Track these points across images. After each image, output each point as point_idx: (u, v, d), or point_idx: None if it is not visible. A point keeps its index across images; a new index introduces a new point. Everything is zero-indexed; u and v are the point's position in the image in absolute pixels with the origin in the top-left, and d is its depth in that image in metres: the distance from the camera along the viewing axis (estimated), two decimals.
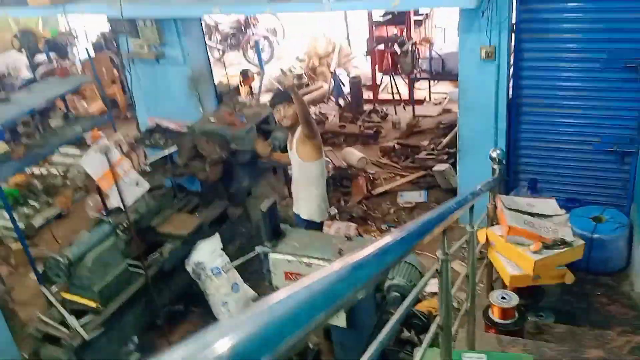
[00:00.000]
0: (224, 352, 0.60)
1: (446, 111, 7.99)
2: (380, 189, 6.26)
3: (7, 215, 4.82)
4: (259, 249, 3.46)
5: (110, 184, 4.01)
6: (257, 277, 5.24)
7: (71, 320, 3.87)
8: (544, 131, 5.06)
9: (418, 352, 2.43)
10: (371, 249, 1.09)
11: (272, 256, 3.35)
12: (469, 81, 5.04)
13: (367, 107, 8.41)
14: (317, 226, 4.31)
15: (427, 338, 1.87)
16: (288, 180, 5.55)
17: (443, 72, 7.65)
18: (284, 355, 0.68)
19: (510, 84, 5.01)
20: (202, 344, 0.61)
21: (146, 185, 4.13)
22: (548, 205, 3.49)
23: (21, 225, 4.78)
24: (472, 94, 5.04)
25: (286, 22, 11.13)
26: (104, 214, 4.57)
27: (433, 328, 1.92)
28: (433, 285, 4.57)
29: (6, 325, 4.51)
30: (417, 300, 3.71)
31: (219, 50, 11.00)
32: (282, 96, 4.24)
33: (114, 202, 4.45)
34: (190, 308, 4.96)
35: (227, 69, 8.30)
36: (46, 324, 3.92)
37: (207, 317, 4.83)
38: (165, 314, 4.62)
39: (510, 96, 5.01)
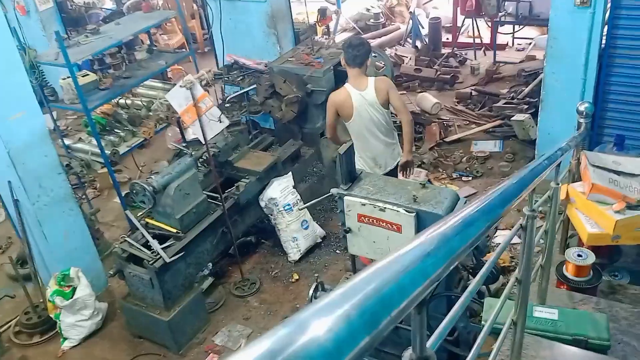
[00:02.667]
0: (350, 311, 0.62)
1: (530, 58, 7.62)
2: (453, 137, 6.15)
3: (95, 142, 5.13)
4: (334, 190, 3.52)
5: (192, 118, 4.16)
6: (325, 215, 5.40)
7: (154, 243, 4.14)
8: (636, 84, 4.76)
9: (492, 303, 2.47)
10: (479, 204, 1.11)
11: (347, 199, 3.41)
12: (559, 28, 4.77)
13: (445, 51, 8.15)
14: None
15: (505, 291, 1.89)
16: None
17: (530, 16, 7.24)
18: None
19: (604, 33, 4.71)
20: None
21: (226, 122, 4.26)
22: (635, 163, 3.34)
23: (107, 151, 5.06)
24: (562, 42, 4.78)
25: None
26: (183, 145, 4.77)
27: (512, 281, 1.93)
28: (499, 237, 4.56)
29: (93, 243, 4.90)
30: (488, 252, 3.72)
31: None
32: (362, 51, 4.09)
33: (193, 135, 4.63)
34: (261, 241, 5.18)
35: (304, 7, 8.20)
36: (130, 245, 4.20)
37: (277, 250, 5.04)
38: (238, 244, 4.85)
39: (602, 46, 4.72)
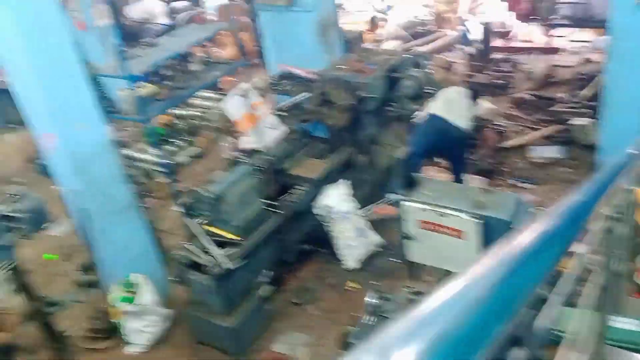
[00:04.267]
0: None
1: (586, 61, 7.41)
2: (510, 142, 6.03)
3: (155, 151, 5.28)
4: (392, 196, 3.51)
5: (249, 125, 4.24)
6: (381, 223, 5.37)
7: (214, 250, 4.21)
8: None
9: (567, 312, 2.39)
10: (562, 209, 1.08)
11: (406, 204, 3.39)
12: (621, 28, 4.63)
13: (498, 56, 8.01)
14: None
15: (583, 299, 1.82)
16: (412, 129, 5.51)
17: (585, 18, 7.05)
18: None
19: None
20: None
21: (284, 128, 4.31)
22: None
23: (166, 160, 5.20)
24: (624, 42, 4.64)
25: None
26: (238, 155, 4.85)
27: (590, 290, 1.87)
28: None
29: (156, 250, 5.03)
30: None
31: None
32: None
33: (249, 144, 4.71)
34: (317, 248, 5.20)
35: (352, 16, 8.26)
36: (190, 251, 4.29)
37: (333, 258, 5.04)
38: (294, 252, 4.89)
39: None
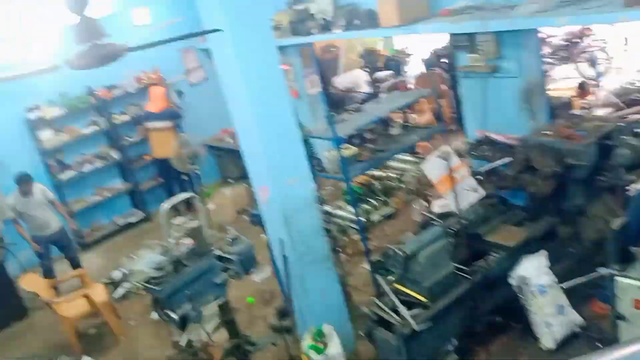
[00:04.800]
0: None
1: None
2: None
3: (351, 209, 5.55)
4: (603, 270, 3.21)
5: (447, 187, 4.26)
6: (583, 302, 4.88)
7: (403, 309, 4.22)
8: None
9: None
10: None
11: (620, 280, 3.07)
12: None
13: None
14: None
15: None
16: (627, 201, 4.99)
17: None
18: None
19: None
20: None
21: (482, 192, 4.25)
22: None
23: (361, 219, 5.44)
24: None
25: (631, 31, 9.99)
26: (431, 217, 4.86)
27: None
28: None
29: (345, 304, 5.20)
30: None
31: (549, 63, 10.54)
32: None
33: (443, 207, 4.70)
34: (510, 322, 4.88)
35: (557, 83, 7.93)
36: (380, 308, 4.35)
37: (527, 335, 4.69)
38: (484, 322, 4.66)
39: None
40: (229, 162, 9.83)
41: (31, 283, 6.20)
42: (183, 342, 4.44)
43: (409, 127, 6.22)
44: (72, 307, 6.16)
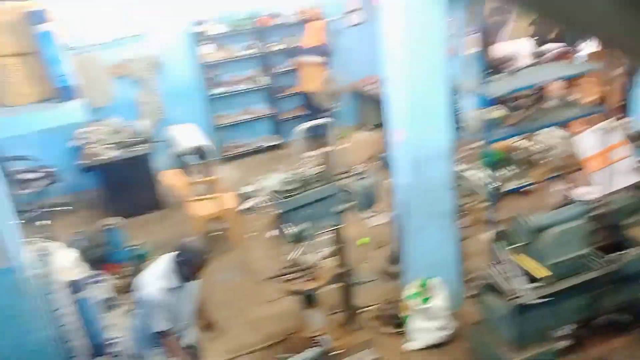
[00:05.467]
0: None
1: None
2: None
3: (485, 174, 5.32)
4: None
5: (597, 166, 3.92)
6: None
7: (521, 280, 4.03)
8: None
9: None
10: None
11: None
12: None
13: None
14: None
15: None
16: None
17: None
18: None
19: None
20: None
21: (636, 180, 3.85)
22: None
23: (494, 185, 5.19)
24: None
25: None
26: (572, 197, 4.52)
27: None
28: None
29: (459, 264, 5.10)
30: None
31: None
32: None
33: (589, 192, 4.35)
34: (635, 325, 4.48)
35: None
36: (496, 275, 4.19)
37: None
38: (606, 317, 4.32)
39: None
40: (368, 108, 9.86)
41: (171, 179, 6.77)
42: (293, 258, 4.63)
43: (567, 102, 5.76)
44: (203, 207, 6.67)
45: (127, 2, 8.10)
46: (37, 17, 2.80)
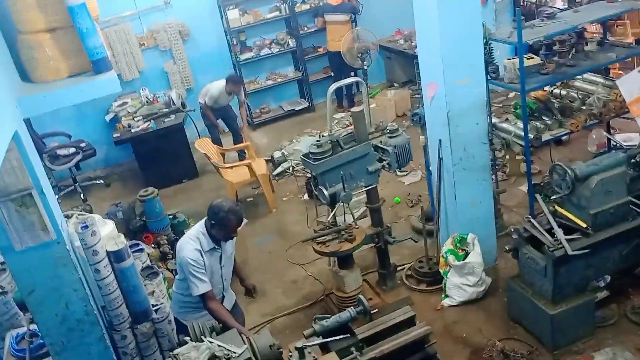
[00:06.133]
0: None
1: None
2: None
3: (520, 125, 5.17)
4: None
5: None
6: None
7: (559, 232, 3.94)
8: None
9: None
10: None
11: None
12: None
13: None
14: None
15: None
16: None
17: None
18: None
19: None
20: None
21: None
22: None
23: (530, 136, 5.04)
24: None
25: None
26: (613, 143, 4.35)
27: None
28: None
29: (494, 218, 5.02)
30: None
31: None
32: None
33: (626, 139, 4.17)
34: None
35: None
36: (534, 227, 4.11)
37: None
38: None
39: None
40: (397, 65, 9.67)
41: (205, 146, 6.82)
42: (329, 219, 4.63)
43: (607, 44, 5.49)
44: (236, 174, 6.72)
45: None
46: None
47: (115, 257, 3.00)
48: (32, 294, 2.84)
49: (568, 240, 3.88)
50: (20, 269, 2.82)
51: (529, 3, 8.87)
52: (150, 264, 3.82)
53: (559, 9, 8.65)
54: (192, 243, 3.60)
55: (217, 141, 7.65)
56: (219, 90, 7.50)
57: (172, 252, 5.36)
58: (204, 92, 7.65)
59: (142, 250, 3.91)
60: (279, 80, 9.30)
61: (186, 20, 8.57)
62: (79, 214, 3.29)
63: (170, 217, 5.97)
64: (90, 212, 5.74)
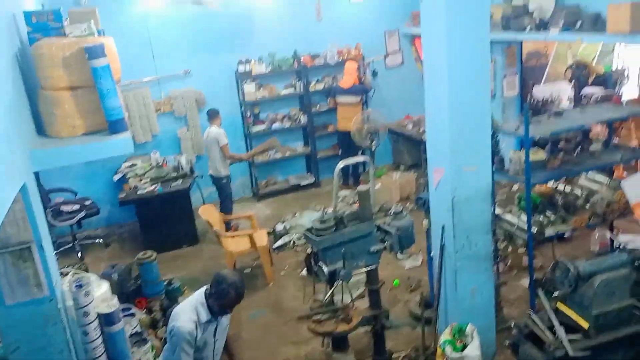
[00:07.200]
0: None
1: None
2: None
3: (524, 218, 5.17)
4: None
5: None
6: None
7: (560, 330, 3.85)
8: None
9: None
10: None
11: None
12: None
13: None
14: None
15: None
16: None
17: None
18: None
19: None
20: None
21: None
22: None
23: (533, 230, 5.04)
24: None
25: None
26: (615, 244, 4.34)
27: None
28: None
29: (495, 314, 4.91)
30: None
31: None
32: None
33: (625, 242, 4.17)
34: None
35: None
36: (534, 323, 4.02)
37: None
38: None
39: None
40: (404, 148, 9.84)
41: (208, 213, 6.83)
42: (326, 297, 4.54)
43: (611, 145, 5.61)
44: (236, 243, 6.68)
45: (176, 41, 8.42)
46: (94, 52, 2.86)
47: (106, 320, 2.94)
48: (16, 352, 2.75)
49: (569, 340, 3.79)
50: (7, 324, 2.75)
51: (535, 100, 9.15)
52: (139, 330, 3.72)
53: (566, 106, 8.95)
54: (189, 314, 3.47)
55: (227, 210, 7.67)
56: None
57: (163, 318, 5.23)
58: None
59: (133, 315, 3.83)
60: (287, 153, 9.45)
61: (203, 89, 8.83)
62: (74, 272, 3.26)
63: (166, 282, 5.87)
64: (86, 271, 5.67)
